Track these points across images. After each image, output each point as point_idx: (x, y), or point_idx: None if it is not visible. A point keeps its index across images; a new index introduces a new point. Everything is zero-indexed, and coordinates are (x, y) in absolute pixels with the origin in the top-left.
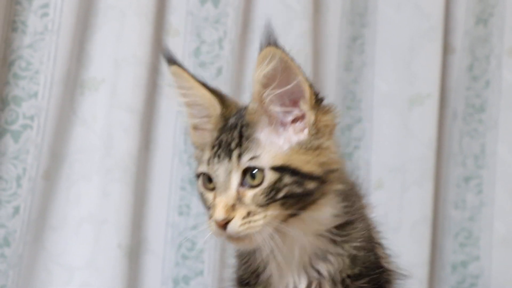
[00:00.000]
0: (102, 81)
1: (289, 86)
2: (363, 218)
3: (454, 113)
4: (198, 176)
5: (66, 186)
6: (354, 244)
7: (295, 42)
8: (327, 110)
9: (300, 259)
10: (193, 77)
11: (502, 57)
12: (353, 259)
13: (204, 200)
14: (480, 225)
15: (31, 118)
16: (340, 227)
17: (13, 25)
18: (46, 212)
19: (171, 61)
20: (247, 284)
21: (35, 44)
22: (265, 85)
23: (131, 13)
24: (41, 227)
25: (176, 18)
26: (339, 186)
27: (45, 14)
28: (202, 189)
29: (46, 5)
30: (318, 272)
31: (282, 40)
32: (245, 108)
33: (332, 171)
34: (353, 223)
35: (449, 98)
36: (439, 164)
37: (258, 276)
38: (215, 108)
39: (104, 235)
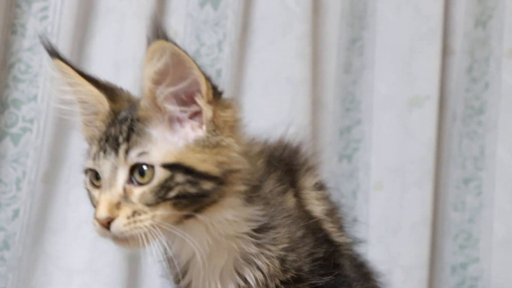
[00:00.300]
0: None
1: (184, 83)
2: (290, 219)
3: (454, 115)
4: (85, 172)
5: (66, 189)
6: (281, 246)
7: (295, 44)
8: (227, 105)
9: (220, 264)
10: (79, 72)
11: (501, 59)
12: (283, 261)
13: (90, 198)
14: (480, 226)
15: (31, 121)
16: (260, 230)
17: (12, 28)
18: (45, 215)
19: (54, 54)
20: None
21: (35, 47)
22: (157, 82)
23: (131, 15)
24: (40, 230)
25: (175, 20)
26: (242, 188)
27: (45, 17)
28: (88, 186)
29: (45, 8)
30: (245, 280)
31: (281, 42)
32: (138, 101)
33: (232, 171)
34: (276, 228)
35: (448, 100)
36: (439, 166)
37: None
38: (103, 104)
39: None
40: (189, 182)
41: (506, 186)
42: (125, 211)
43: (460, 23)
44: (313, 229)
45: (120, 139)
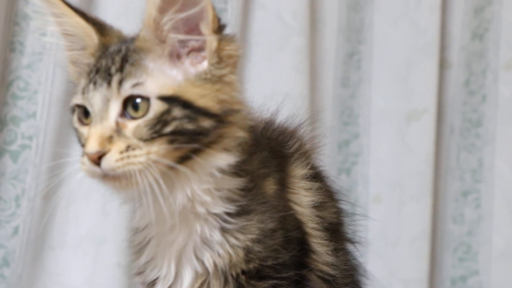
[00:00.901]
0: None
1: (192, 10)
2: (265, 207)
3: (452, 128)
4: (73, 110)
5: (65, 205)
6: (250, 236)
7: (292, 58)
8: (230, 39)
9: (179, 243)
10: (65, 2)
11: (498, 72)
12: (248, 252)
13: (78, 137)
14: (479, 239)
15: (30, 138)
16: (232, 215)
17: (11, 45)
18: (45, 232)
19: None
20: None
21: (34, 64)
22: (163, 11)
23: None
24: (40, 247)
25: None
26: (241, 134)
27: (43, 34)
28: (76, 124)
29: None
30: (204, 265)
31: (278, 57)
32: (134, 37)
33: (233, 111)
34: (249, 214)
35: (446, 113)
36: (437, 179)
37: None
38: (92, 37)
39: (103, 254)
40: (187, 117)
41: (505, 198)
42: (118, 145)
43: (457, 37)
44: (287, 224)
45: (113, 69)
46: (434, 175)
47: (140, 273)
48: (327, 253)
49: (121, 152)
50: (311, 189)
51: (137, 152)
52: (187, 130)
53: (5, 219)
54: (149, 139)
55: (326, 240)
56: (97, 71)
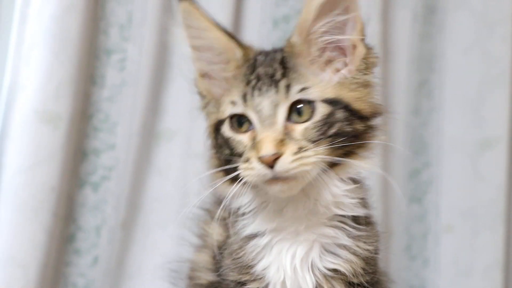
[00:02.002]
0: (177, 131)
1: (347, 16)
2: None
3: None
4: (221, 122)
5: (143, 234)
6: (370, 247)
7: None
8: (371, 47)
9: (307, 247)
10: (208, 17)
11: None
12: (366, 263)
13: (234, 146)
14: None
15: (110, 169)
16: (360, 223)
17: (92, 79)
18: (123, 261)
19: None
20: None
21: (114, 97)
22: (319, 16)
23: None
24: (119, 276)
25: None
26: (382, 138)
27: (123, 68)
28: (230, 133)
29: (123, 59)
30: (326, 269)
31: None
32: (283, 45)
33: (378, 113)
34: (370, 225)
35: None
36: (510, 208)
37: (251, 269)
38: (234, 52)
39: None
40: (346, 119)
41: None
42: (291, 147)
43: None
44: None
45: (277, 75)
46: (507, 204)
47: (253, 280)
48: None
49: (295, 154)
50: None
51: (308, 153)
52: (346, 132)
53: (86, 248)
54: (317, 140)
55: None
56: (258, 79)
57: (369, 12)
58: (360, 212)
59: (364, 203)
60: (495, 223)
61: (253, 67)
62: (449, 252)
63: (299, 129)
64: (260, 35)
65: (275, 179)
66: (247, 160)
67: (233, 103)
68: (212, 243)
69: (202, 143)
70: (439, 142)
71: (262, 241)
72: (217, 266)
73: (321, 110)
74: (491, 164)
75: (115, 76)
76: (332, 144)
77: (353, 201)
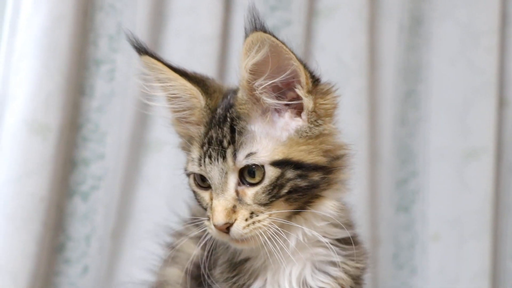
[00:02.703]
0: (166, 141)
1: (283, 74)
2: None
3: (510, 166)
4: (188, 175)
5: (132, 245)
6: (357, 265)
7: (352, 99)
8: (326, 92)
9: (299, 267)
10: (170, 66)
11: None
12: (355, 282)
13: (199, 200)
14: None
15: (99, 178)
16: (342, 241)
17: (81, 89)
18: (113, 270)
19: (141, 50)
20: None
21: (103, 107)
22: (256, 74)
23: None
24: (108, 285)
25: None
26: (347, 175)
27: (112, 78)
28: (195, 188)
29: (112, 70)
30: (318, 287)
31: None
32: (232, 95)
33: (337, 157)
34: (357, 244)
35: (504, 151)
36: (496, 217)
37: None
38: (198, 99)
39: None
40: (299, 176)
41: None
42: (242, 213)
43: None
44: None
45: (225, 142)
46: (493, 213)
47: None
48: None
49: (246, 219)
50: None
51: (260, 217)
52: (300, 187)
53: (76, 258)
54: (268, 203)
55: None
56: (210, 143)
57: (356, 24)
58: (345, 234)
59: (348, 224)
60: (481, 232)
61: (209, 125)
62: (436, 260)
63: (250, 193)
64: None
65: (235, 239)
66: (209, 219)
67: (193, 161)
68: (187, 258)
69: None
70: (425, 151)
71: (256, 263)
72: (199, 280)
73: (270, 174)
74: (477, 173)
75: (104, 87)
76: (287, 202)
77: (336, 229)
